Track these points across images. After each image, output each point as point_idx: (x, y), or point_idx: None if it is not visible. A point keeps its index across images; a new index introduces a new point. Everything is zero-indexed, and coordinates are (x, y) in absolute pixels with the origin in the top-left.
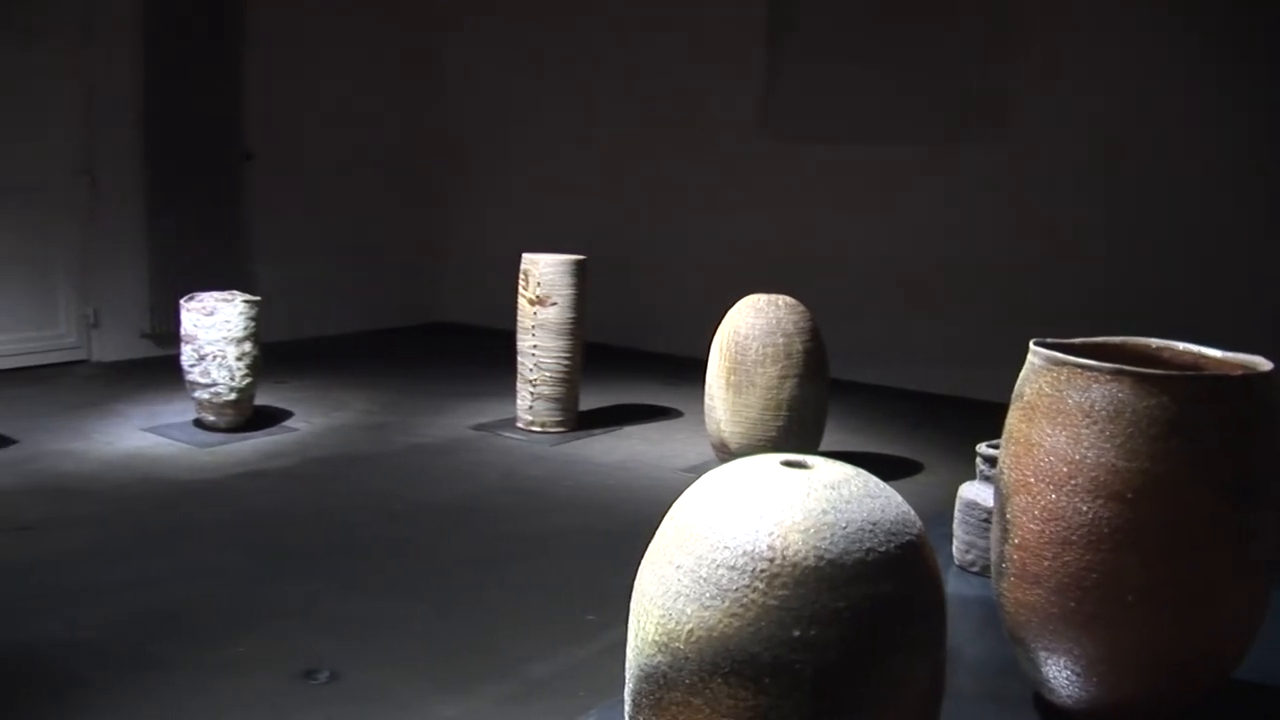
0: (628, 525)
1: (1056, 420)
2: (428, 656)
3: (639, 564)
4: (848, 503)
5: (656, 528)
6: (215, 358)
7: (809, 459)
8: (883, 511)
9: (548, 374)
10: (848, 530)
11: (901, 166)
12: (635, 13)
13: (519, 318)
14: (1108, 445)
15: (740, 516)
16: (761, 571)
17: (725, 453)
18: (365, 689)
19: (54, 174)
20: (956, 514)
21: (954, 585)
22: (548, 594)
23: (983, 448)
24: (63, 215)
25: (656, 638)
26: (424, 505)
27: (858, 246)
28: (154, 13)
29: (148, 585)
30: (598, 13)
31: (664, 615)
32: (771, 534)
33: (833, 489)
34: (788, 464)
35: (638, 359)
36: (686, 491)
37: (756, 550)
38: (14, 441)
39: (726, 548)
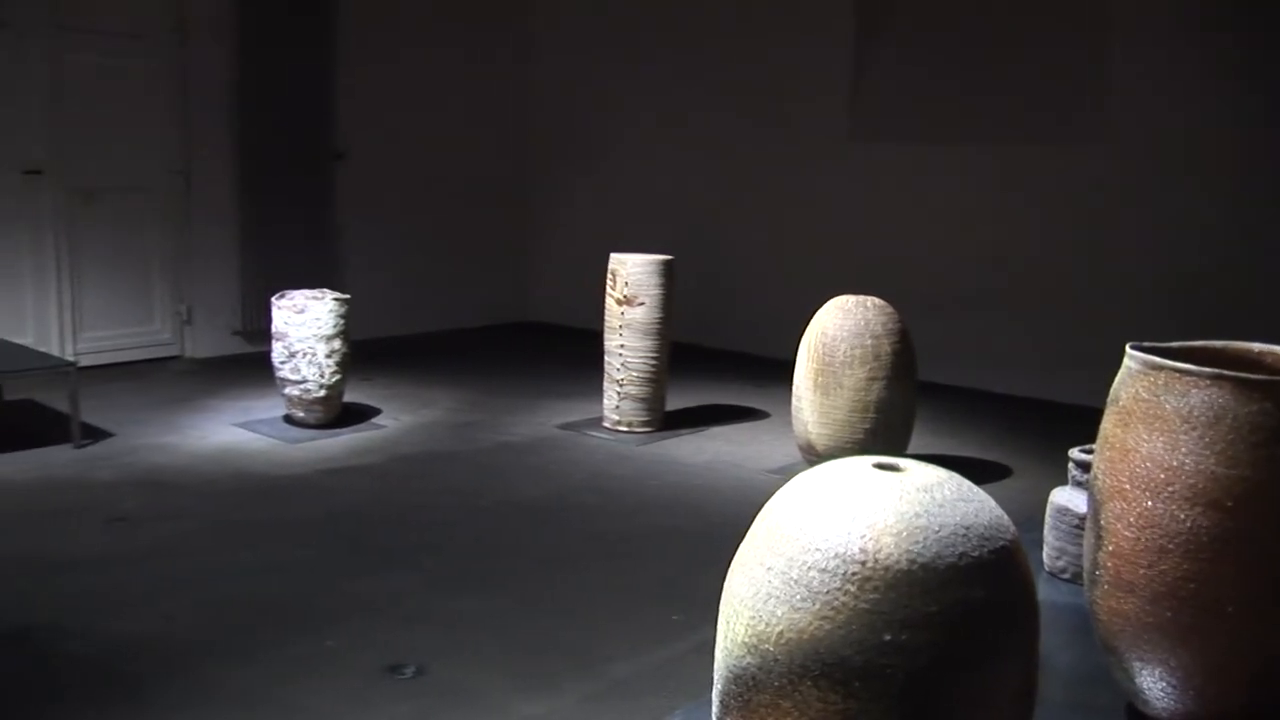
0: (714, 526)
1: (1154, 425)
2: (512, 653)
3: (726, 564)
4: (941, 506)
5: (743, 529)
6: (305, 355)
7: (901, 461)
8: (976, 516)
9: (634, 374)
10: (940, 534)
11: (991, 167)
12: (724, 13)
13: (606, 317)
14: (1207, 452)
15: (832, 519)
16: (853, 574)
17: (812, 454)
18: (450, 684)
19: (151, 174)
20: (1047, 519)
21: (1044, 592)
22: (633, 593)
23: (1075, 453)
24: (159, 214)
25: (746, 639)
26: (510, 503)
27: (947, 247)
28: (248, 15)
29: (236, 577)
30: (687, 13)
31: (754, 617)
32: (864, 537)
33: (925, 492)
34: (880, 466)
35: (724, 359)
36: (778, 493)
37: (848, 553)
38: (110, 434)
39: (818, 550)
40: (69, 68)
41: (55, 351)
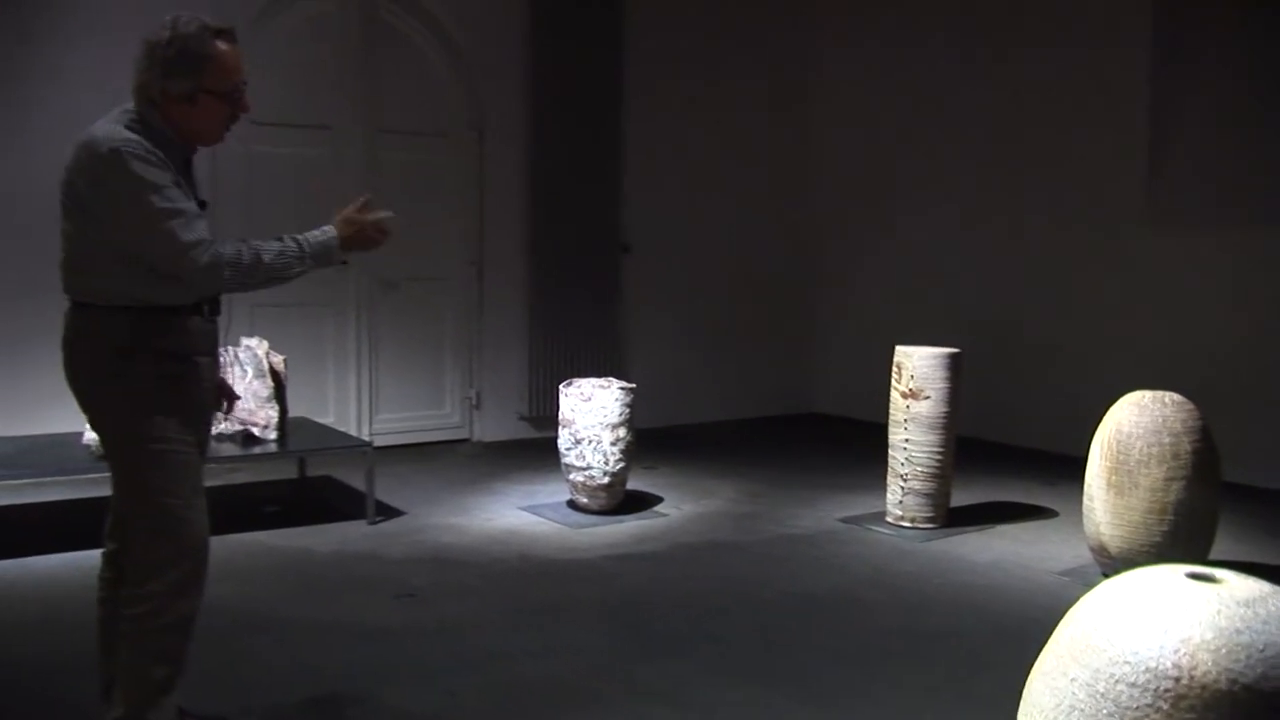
0: (1000, 628)
1: None
2: None
3: (1011, 668)
4: (1265, 623)
5: (1029, 631)
6: (591, 442)
7: (1218, 572)
8: None
9: (919, 468)
10: (1265, 653)
11: None
12: (1012, 98)
13: (891, 410)
14: None
15: (1143, 631)
16: (1165, 691)
17: (1105, 557)
18: None
19: (448, 265)
20: None
21: None
22: (916, 694)
23: None
24: (453, 303)
25: None
26: (791, 595)
27: (1253, 339)
28: (541, 115)
29: (519, 658)
30: (973, 98)
31: None
32: (1177, 651)
33: (1247, 606)
34: (1194, 576)
35: (1011, 454)
36: (1083, 599)
37: (1160, 668)
38: (402, 513)
39: (1127, 663)
40: (380, 165)
41: (353, 431)
